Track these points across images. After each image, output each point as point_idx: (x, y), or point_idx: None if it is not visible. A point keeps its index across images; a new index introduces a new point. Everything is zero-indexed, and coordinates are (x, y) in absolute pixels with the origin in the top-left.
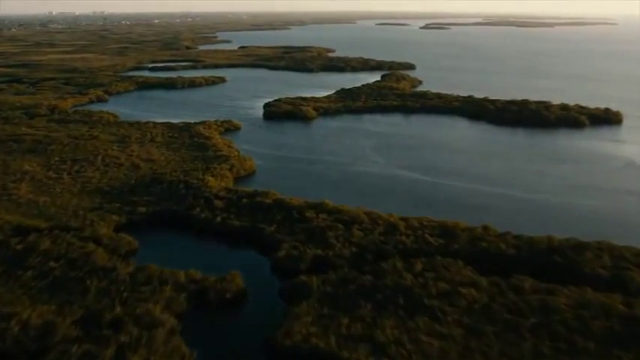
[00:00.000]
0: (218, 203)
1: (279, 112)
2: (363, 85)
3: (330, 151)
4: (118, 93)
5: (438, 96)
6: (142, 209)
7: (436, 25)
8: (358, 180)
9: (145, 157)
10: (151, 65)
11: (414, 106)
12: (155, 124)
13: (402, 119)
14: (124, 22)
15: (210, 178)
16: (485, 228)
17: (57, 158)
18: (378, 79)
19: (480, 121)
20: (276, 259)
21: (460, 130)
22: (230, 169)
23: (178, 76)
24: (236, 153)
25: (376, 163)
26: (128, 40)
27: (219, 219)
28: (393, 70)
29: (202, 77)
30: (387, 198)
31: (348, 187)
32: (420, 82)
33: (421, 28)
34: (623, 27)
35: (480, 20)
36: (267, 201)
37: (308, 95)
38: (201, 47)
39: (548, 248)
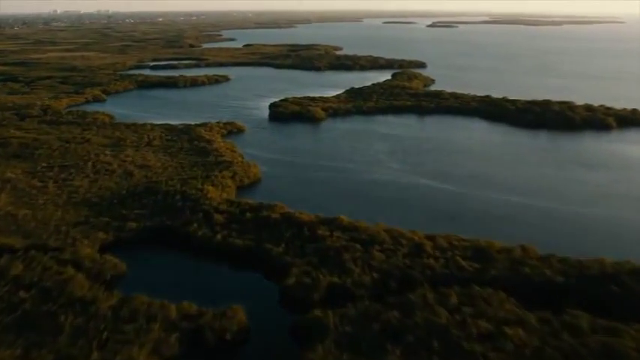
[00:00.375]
0: (218, 218)
1: (285, 113)
2: (373, 84)
3: (341, 156)
4: (117, 92)
5: (454, 96)
6: (133, 225)
7: (443, 23)
8: (374, 189)
9: (139, 163)
10: (152, 63)
11: (429, 106)
12: (153, 125)
13: (417, 121)
14: (127, 20)
15: (210, 187)
16: (524, 249)
17: (44, 164)
18: (389, 77)
19: (500, 122)
20: (285, 288)
21: (479, 132)
22: (232, 177)
23: (180, 75)
24: (239, 158)
25: (392, 169)
26: (131, 38)
27: (219, 237)
28: (404, 68)
29: (205, 76)
30: (407, 211)
31: (363, 198)
32: (433, 81)
33: (428, 26)
34: (631, 25)
35: (486, 19)
36: (274, 215)
37: (316, 95)
38: (205, 45)
39: (600, 274)
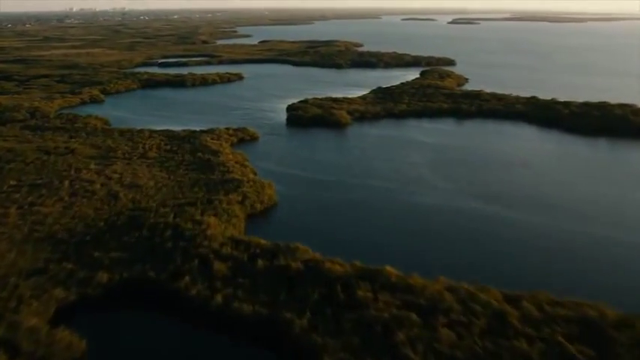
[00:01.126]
0: (219, 268)
1: (305, 117)
2: (402, 84)
3: (373, 171)
4: (118, 92)
5: (496, 97)
6: (104, 276)
7: (464, 20)
8: (420, 219)
9: (128, 182)
10: (161, 61)
11: (469, 109)
12: (151, 132)
13: (456, 126)
14: (142, 17)
15: (212, 219)
16: None
17: (13, 182)
18: (417, 76)
19: (551, 128)
20: None
21: (530, 140)
22: (241, 202)
23: (189, 73)
24: (251, 175)
25: (438, 189)
26: (142, 35)
27: (219, 298)
28: (432, 65)
29: (216, 74)
30: (468, 251)
31: (409, 233)
32: (466, 80)
33: (449, 23)
34: None
35: (507, 16)
36: (295, 265)
37: (339, 95)
38: (219, 42)
39: None
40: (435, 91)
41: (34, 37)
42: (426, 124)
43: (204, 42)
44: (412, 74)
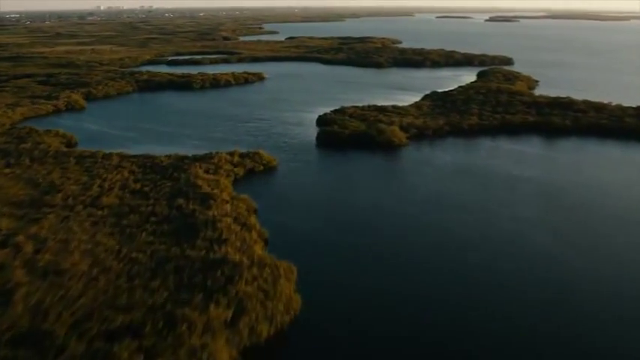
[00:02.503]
0: None
1: (343, 136)
2: (463, 88)
3: (454, 230)
4: (106, 97)
5: (593, 106)
6: None
7: (503, 17)
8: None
9: (45, 262)
10: (170, 58)
11: (562, 123)
12: (123, 157)
13: (550, 149)
14: (167, 14)
15: None
16: None
17: None
18: (473, 76)
19: None
20: None
21: None
22: (232, 324)
23: (199, 73)
24: (258, 249)
25: (572, 271)
26: (160, 31)
27: None
28: (486, 65)
29: (231, 74)
30: None
31: None
32: (536, 83)
33: (486, 20)
34: None
35: (544, 14)
36: None
37: (385, 103)
38: (242, 38)
39: None
40: (511, 99)
41: (45, 33)
42: (507, 146)
43: (226, 38)
44: (467, 75)
